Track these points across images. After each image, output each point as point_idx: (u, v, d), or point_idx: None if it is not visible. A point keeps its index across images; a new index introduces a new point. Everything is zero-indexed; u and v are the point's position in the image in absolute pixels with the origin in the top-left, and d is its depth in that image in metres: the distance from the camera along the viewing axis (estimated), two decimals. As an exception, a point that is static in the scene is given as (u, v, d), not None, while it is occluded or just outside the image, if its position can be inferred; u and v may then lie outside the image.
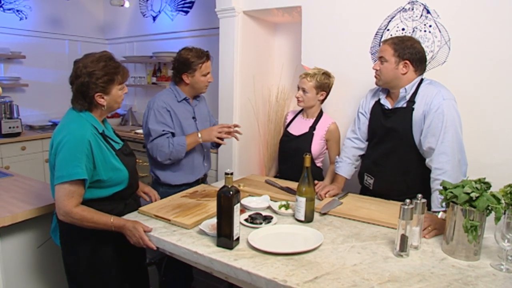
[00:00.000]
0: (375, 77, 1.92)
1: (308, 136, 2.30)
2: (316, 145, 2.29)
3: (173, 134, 2.17)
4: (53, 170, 1.57)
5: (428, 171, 1.78)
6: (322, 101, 2.34)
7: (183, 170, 2.22)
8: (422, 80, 1.85)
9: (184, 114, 2.21)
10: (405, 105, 1.84)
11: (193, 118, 2.25)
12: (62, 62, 4.54)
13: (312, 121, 2.34)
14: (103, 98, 1.60)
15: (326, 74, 2.28)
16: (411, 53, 1.80)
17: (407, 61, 1.80)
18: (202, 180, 2.35)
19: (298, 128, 2.37)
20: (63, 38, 4.61)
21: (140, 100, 4.90)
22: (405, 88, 1.83)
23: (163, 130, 2.11)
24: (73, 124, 1.56)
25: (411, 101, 1.81)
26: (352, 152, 2.12)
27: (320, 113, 2.36)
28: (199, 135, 2.13)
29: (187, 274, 2.38)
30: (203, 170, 2.33)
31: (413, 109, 1.80)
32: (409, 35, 2.29)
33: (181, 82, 2.20)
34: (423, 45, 2.23)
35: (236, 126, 2.20)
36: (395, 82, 1.85)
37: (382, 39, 1.88)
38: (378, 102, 1.99)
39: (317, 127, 2.31)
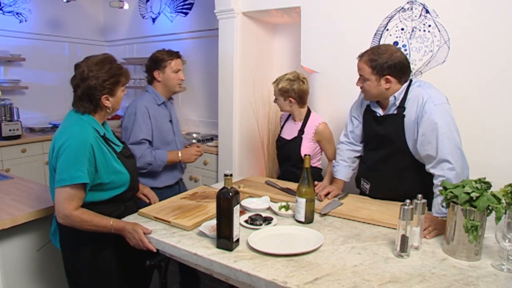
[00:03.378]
0: (362, 92, 1.87)
1: (297, 140, 2.29)
2: (306, 148, 2.27)
3: (150, 142, 2.19)
4: (53, 173, 1.57)
5: (425, 176, 1.75)
6: (300, 105, 2.30)
7: (162, 174, 2.26)
8: (411, 81, 1.79)
9: (163, 118, 2.25)
10: (395, 112, 1.79)
11: (170, 121, 2.30)
12: (62, 64, 4.54)
13: (300, 124, 2.32)
14: (108, 100, 1.61)
15: (290, 80, 2.23)
16: (390, 66, 1.71)
17: (388, 76, 1.72)
18: (180, 181, 2.44)
19: (290, 132, 2.37)
20: (63, 40, 4.61)
21: (140, 102, 4.90)
22: (394, 96, 1.76)
23: (142, 139, 2.13)
24: (75, 127, 1.56)
25: (401, 106, 1.76)
26: (347, 154, 2.09)
27: (307, 115, 2.33)
28: (179, 155, 2.23)
29: (195, 276, 2.39)
30: (181, 171, 2.40)
31: (404, 115, 1.76)
32: (409, 34, 2.28)
33: (153, 81, 2.25)
34: (422, 45, 2.24)
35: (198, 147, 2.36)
36: (382, 96, 1.80)
37: (358, 55, 1.82)
38: (369, 108, 1.94)
39: (305, 130, 2.29)
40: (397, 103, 1.77)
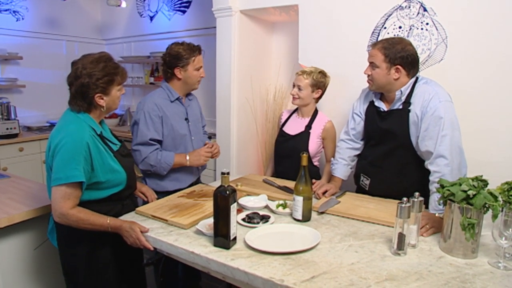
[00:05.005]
0: (368, 81, 1.88)
1: (304, 135, 2.30)
2: (313, 144, 2.29)
3: (160, 142, 2.09)
4: (50, 172, 1.56)
5: (425, 172, 1.76)
6: (317, 100, 2.34)
7: (173, 177, 2.14)
8: (417, 78, 1.82)
9: (176, 115, 2.12)
10: (401, 107, 1.81)
11: (186, 119, 2.17)
12: (60, 62, 4.53)
13: (307, 120, 2.34)
14: (102, 99, 1.60)
15: (322, 73, 2.29)
16: (402, 57, 1.74)
17: (399, 66, 1.76)
18: (195, 183, 2.27)
19: (294, 127, 2.37)
20: (60, 38, 4.60)
21: (138, 100, 4.86)
22: (401, 90, 1.79)
23: (150, 139, 2.03)
24: (71, 126, 1.55)
25: (407, 102, 1.78)
26: (347, 153, 2.10)
27: (315, 112, 2.36)
28: (187, 158, 2.08)
29: (195, 273, 2.39)
30: (195, 175, 2.26)
31: (409, 110, 1.77)
32: (406, 32, 2.28)
33: (173, 78, 2.12)
34: (420, 43, 2.24)
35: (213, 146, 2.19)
36: (388, 87, 1.82)
37: (371, 43, 1.84)
38: (372, 104, 1.96)
39: (313, 125, 2.31)
40: (403, 98, 1.80)
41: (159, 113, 2.05)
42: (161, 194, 2.04)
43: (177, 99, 2.14)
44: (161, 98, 2.10)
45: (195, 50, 2.08)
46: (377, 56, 1.79)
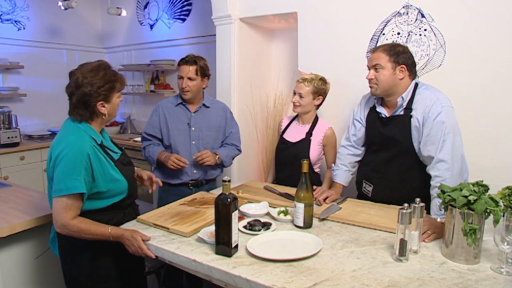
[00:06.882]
0: (371, 86, 1.88)
1: (305, 142, 2.30)
2: (314, 151, 2.29)
3: (160, 139, 2.35)
4: (51, 182, 1.56)
5: (428, 177, 1.76)
6: (318, 106, 2.35)
7: (164, 169, 2.30)
8: (416, 84, 1.84)
9: (177, 118, 2.32)
10: (402, 113, 1.82)
11: (188, 124, 2.32)
12: (60, 71, 4.53)
13: (308, 127, 2.34)
14: (104, 106, 1.61)
15: (323, 80, 2.30)
16: (405, 57, 1.79)
17: (404, 66, 1.79)
18: (195, 185, 2.37)
19: (295, 134, 2.37)
20: (61, 47, 4.63)
21: (138, 108, 4.91)
22: (402, 97, 1.80)
23: (145, 133, 2.36)
24: (72, 136, 1.55)
25: (408, 108, 1.79)
26: (348, 159, 2.11)
27: (316, 119, 2.36)
28: (163, 156, 2.24)
29: (197, 280, 2.39)
30: (189, 175, 2.33)
31: (411, 116, 1.79)
32: (405, 38, 2.30)
33: None
34: (418, 49, 2.26)
35: (185, 163, 2.21)
36: (393, 89, 1.82)
37: (371, 48, 1.87)
38: (373, 110, 1.97)
39: (313, 132, 2.31)
40: (404, 104, 1.81)
41: (159, 114, 2.34)
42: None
43: (180, 103, 2.34)
44: (169, 102, 2.38)
45: (181, 60, 2.28)
46: (381, 57, 1.80)
